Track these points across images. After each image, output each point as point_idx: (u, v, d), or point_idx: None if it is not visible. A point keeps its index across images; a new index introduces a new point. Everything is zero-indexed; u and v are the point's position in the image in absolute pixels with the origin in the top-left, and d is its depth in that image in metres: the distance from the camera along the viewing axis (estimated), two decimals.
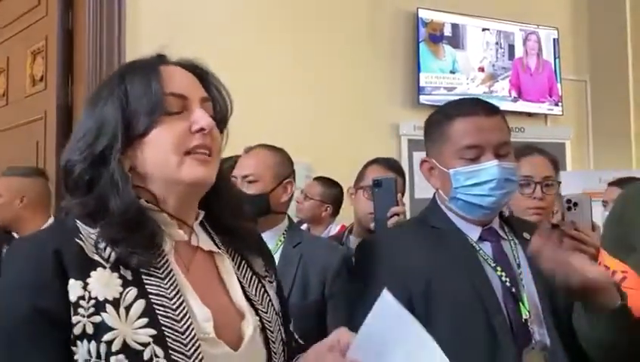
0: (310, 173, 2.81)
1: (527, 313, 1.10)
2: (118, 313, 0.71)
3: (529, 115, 3.59)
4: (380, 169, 1.90)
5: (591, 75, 3.92)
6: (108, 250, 0.74)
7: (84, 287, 0.71)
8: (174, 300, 0.75)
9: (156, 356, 0.70)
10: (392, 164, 1.96)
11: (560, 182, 1.62)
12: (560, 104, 3.71)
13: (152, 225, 0.78)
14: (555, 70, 3.71)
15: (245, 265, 0.88)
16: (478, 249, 1.16)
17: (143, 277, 0.75)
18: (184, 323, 0.74)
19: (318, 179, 2.63)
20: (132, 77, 0.81)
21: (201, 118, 0.80)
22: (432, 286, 1.11)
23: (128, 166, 0.79)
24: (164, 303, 0.74)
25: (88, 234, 0.76)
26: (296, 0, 2.95)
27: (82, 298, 0.70)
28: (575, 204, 1.47)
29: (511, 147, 1.17)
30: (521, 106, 3.53)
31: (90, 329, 0.70)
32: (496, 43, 3.53)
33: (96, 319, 0.70)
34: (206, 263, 0.84)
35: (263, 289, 0.87)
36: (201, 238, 0.84)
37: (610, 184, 2.26)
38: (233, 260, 0.87)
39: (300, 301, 1.40)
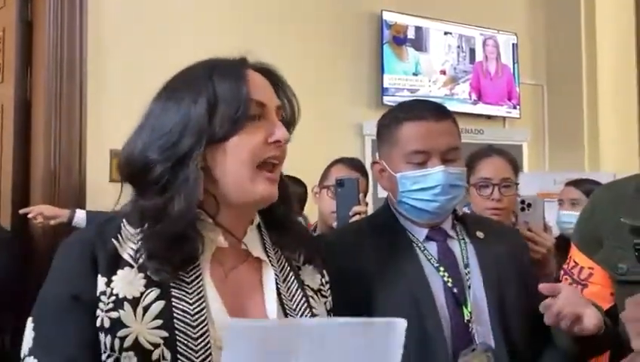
0: None
1: (469, 314, 1.09)
2: (135, 312, 0.73)
3: (488, 117, 3.68)
4: (343, 168, 1.93)
5: (547, 80, 4.05)
6: (141, 250, 0.76)
7: (108, 284, 0.74)
8: (195, 305, 0.75)
9: (164, 358, 0.72)
10: (355, 164, 2.00)
11: (518, 184, 1.68)
12: (518, 107, 3.82)
13: (195, 241, 0.77)
14: (514, 74, 3.82)
15: (292, 276, 0.85)
16: (422, 249, 1.15)
17: (173, 281, 0.76)
18: (199, 330, 0.74)
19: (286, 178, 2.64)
20: (221, 79, 0.80)
21: (280, 129, 0.80)
22: (372, 286, 1.10)
23: (200, 168, 0.78)
24: (184, 308, 0.74)
25: (127, 235, 0.77)
26: (260, 1, 2.95)
27: (104, 293, 0.74)
28: (529, 205, 1.54)
29: (460, 151, 1.16)
30: (481, 109, 3.62)
31: (107, 324, 0.73)
32: (458, 47, 3.61)
33: (114, 315, 0.73)
34: (251, 270, 0.83)
35: (306, 304, 0.85)
36: (253, 244, 0.84)
37: (567, 184, 2.35)
38: (282, 270, 0.85)
39: None
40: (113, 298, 0.73)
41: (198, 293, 0.76)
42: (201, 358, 0.73)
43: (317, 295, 0.88)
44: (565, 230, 2.15)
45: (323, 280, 0.91)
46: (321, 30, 3.11)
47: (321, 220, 1.98)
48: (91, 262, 0.75)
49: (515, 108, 3.82)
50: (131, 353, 0.71)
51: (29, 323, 0.75)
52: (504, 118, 3.81)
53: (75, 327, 0.73)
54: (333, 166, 1.99)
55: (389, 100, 3.29)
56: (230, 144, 0.78)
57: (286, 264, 0.86)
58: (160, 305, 0.73)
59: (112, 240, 0.77)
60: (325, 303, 0.89)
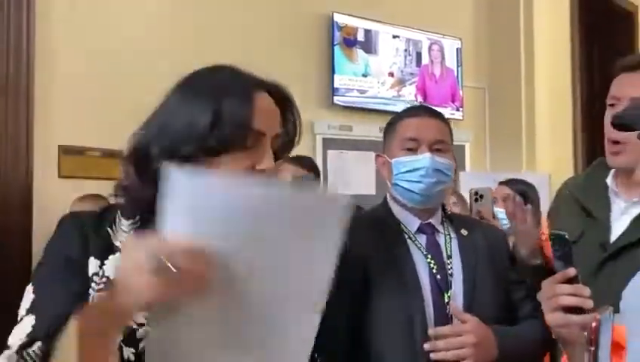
0: None
1: (449, 298, 1.27)
2: None
3: None
4: (293, 168, 1.99)
5: (489, 84, 4.25)
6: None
7: (100, 266, 0.81)
8: None
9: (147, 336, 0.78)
10: (306, 163, 2.06)
11: (455, 182, 1.82)
12: (461, 109, 4.00)
13: None
14: (458, 77, 4.00)
15: None
16: (414, 239, 1.33)
17: None
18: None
19: None
20: (231, 97, 0.82)
21: (268, 160, 0.84)
22: (368, 271, 1.27)
23: None
24: None
25: (121, 225, 0.83)
26: (211, 1, 2.97)
27: (96, 274, 0.81)
28: (481, 196, 1.70)
29: (449, 148, 1.35)
30: None
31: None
32: (405, 50, 3.74)
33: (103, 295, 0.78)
34: None
35: None
36: None
37: (500, 183, 2.51)
38: None
39: None
40: (104, 279, 0.80)
41: None
42: None
43: None
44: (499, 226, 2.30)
45: None
46: (272, 31, 3.15)
47: None
48: (82, 237, 0.82)
49: (458, 110, 3.99)
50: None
51: (29, 287, 0.81)
52: (448, 119, 3.97)
53: (69, 284, 0.80)
54: (282, 165, 2.05)
55: (339, 100, 3.38)
56: (218, 161, 0.81)
57: None
58: None
59: (107, 228, 0.83)
60: None
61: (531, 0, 4.11)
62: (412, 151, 1.32)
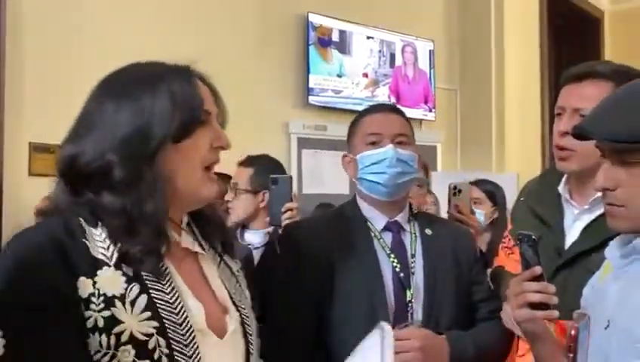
0: None
1: (411, 296, 1.30)
2: (125, 307, 0.76)
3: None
4: (238, 168, 2.00)
5: (460, 85, 4.34)
6: (111, 249, 0.78)
7: (94, 285, 0.75)
8: (171, 295, 0.81)
9: (159, 345, 0.77)
10: (248, 162, 2.03)
11: (428, 183, 1.86)
12: (433, 110, 4.07)
13: (167, 238, 0.82)
14: (430, 79, 4.06)
15: (224, 264, 0.95)
16: (379, 238, 1.35)
17: (143, 274, 0.79)
18: (181, 316, 0.80)
19: (218, 174, 2.64)
20: (177, 82, 0.82)
21: (224, 136, 0.87)
22: (332, 267, 1.30)
23: None
24: (164, 298, 0.80)
25: (92, 235, 0.78)
26: (187, 0, 2.96)
27: (93, 294, 0.75)
28: (459, 191, 1.75)
29: (412, 142, 1.38)
30: None
31: (101, 323, 0.75)
32: (379, 51, 3.79)
33: (106, 313, 0.75)
34: (192, 263, 0.90)
35: (240, 287, 0.96)
36: (188, 240, 0.90)
37: (469, 183, 2.55)
38: (214, 259, 0.93)
39: None
40: (102, 297, 0.75)
41: (170, 285, 0.82)
42: (189, 340, 0.80)
43: (240, 276, 0.99)
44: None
45: (238, 266, 1.01)
46: (248, 30, 3.16)
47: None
48: (62, 258, 0.75)
49: (430, 111, 4.06)
50: (129, 346, 0.75)
51: None
52: (420, 120, 4.04)
53: (60, 327, 0.73)
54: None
55: (314, 100, 3.40)
56: (182, 147, 0.82)
57: (216, 254, 0.95)
58: (144, 298, 0.77)
59: (82, 240, 0.77)
60: (244, 283, 1.00)
61: (502, 4, 4.21)
62: (375, 145, 1.35)
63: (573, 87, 1.27)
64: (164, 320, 0.78)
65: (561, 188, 1.33)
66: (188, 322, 0.81)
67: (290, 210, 1.69)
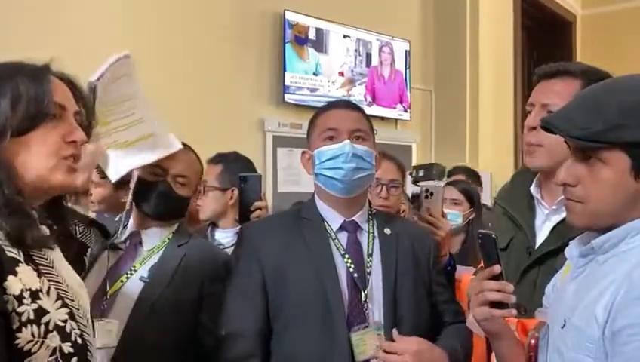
0: None
1: (365, 296, 1.29)
2: (47, 298, 0.82)
3: (382, 118, 3.91)
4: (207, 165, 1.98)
5: (435, 86, 4.38)
6: (14, 247, 0.82)
7: (20, 281, 0.80)
8: (64, 285, 0.88)
9: (73, 328, 0.86)
10: (216, 159, 2.01)
11: (404, 185, 1.88)
12: (409, 110, 4.10)
13: (33, 216, 0.86)
14: (406, 79, 4.09)
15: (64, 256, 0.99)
16: (333, 238, 1.34)
17: (41, 268, 0.85)
18: (77, 302, 0.89)
19: None
20: (24, 78, 0.86)
21: (77, 130, 0.90)
22: (282, 269, 1.29)
23: None
24: (62, 288, 0.87)
25: None
26: None
27: (23, 290, 0.81)
28: (431, 193, 1.76)
29: (369, 138, 1.38)
30: (375, 111, 3.83)
31: (32, 316, 0.80)
32: (356, 50, 3.80)
33: (34, 306, 0.80)
34: (53, 251, 0.94)
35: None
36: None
37: (447, 184, 2.57)
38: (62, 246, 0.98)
39: (175, 297, 1.40)
40: (28, 292, 0.81)
41: (59, 275, 0.88)
42: (88, 321, 0.90)
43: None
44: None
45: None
46: (224, 28, 3.14)
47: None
48: None
49: (406, 111, 4.09)
50: (55, 332, 0.81)
51: None
52: (396, 120, 4.08)
53: None
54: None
55: (290, 98, 3.40)
56: (30, 138, 0.86)
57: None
58: (53, 289, 0.85)
59: None
60: None
61: (477, 6, 4.26)
62: (332, 140, 1.34)
63: (544, 83, 1.30)
64: (70, 307, 0.86)
65: (532, 188, 1.35)
66: (80, 305, 0.90)
67: (259, 208, 1.69)
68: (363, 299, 1.29)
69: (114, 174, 1.39)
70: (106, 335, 1.32)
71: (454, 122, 4.31)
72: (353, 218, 1.38)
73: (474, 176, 3.24)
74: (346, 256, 1.33)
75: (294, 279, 1.29)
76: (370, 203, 1.45)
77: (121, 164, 1.38)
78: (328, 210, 1.38)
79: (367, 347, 1.26)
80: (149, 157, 1.40)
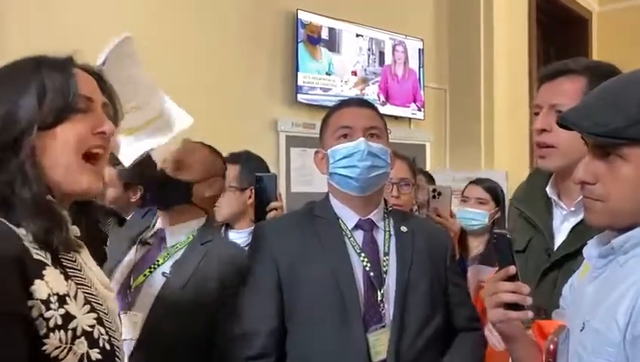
0: None
1: (381, 295, 1.28)
2: (74, 303, 0.80)
3: (395, 118, 3.89)
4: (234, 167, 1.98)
5: (450, 85, 4.35)
6: (42, 249, 0.79)
7: (47, 285, 0.77)
8: (92, 288, 0.85)
9: (101, 334, 0.83)
10: (234, 158, 2.00)
11: (415, 184, 1.86)
12: (422, 109, 4.07)
13: (64, 217, 0.83)
14: (419, 78, 4.06)
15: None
16: (349, 236, 1.33)
17: (68, 271, 0.82)
18: (105, 306, 0.86)
19: None
20: (49, 71, 0.84)
21: (106, 122, 0.87)
22: (297, 268, 1.28)
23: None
24: (90, 291, 0.84)
25: (21, 235, 0.79)
26: None
27: (50, 295, 0.78)
28: (439, 194, 1.75)
29: (383, 135, 1.36)
30: (388, 110, 3.80)
31: (59, 321, 0.77)
32: (369, 49, 3.78)
33: (62, 311, 0.78)
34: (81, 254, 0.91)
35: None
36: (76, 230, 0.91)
37: (471, 183, 2.50)
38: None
39: (192, 297, 1.41)
40: (56, 296, 0.78)
41: (88, 278, 0.86)
42: (116, 325, 0.88)
43: None
44: (470, 224, 2.31)
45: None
46: (237, 27, 3.14)
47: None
48: (18, 263, 0.75)
49: (419, 110, 4.06)
50: (82, 338, 0.79)
51: None
52: (410, 119, 4.05)
53: (19, 344, 0.73)
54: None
55: (302, 98, 3.39)
56: (57, 131, 0.83)
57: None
58: (81, 293, 0.82)
59: (24, 243, 0.78)
60: None
61: (491, 4, 4.22)
62: (346, 138, 1.33)
63: (548, 84, 1.28)
64: (98, 312, 0.84)
65: (548, 189, 1.33)
66: (110, 310, 0.88)
67: (275, 209, 1.68)
68: (379, 298, 1.28)
69: (126, 160, 1.39)
70: (132, 327, 1.33)
71: (469, 121, 4.27)
72: (369, 216, 1.36)
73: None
74: (362, 254, 1.31)
75: (309, 278, 1.28)
76: (385, 201, 1.44)
77: (132, 149, 1.37)
78: (343, 209, 1.36)
79: (384, 347, 1.25)
80: (160, 140, 1.39)
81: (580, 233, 1.20)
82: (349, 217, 1.35)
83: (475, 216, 2.31)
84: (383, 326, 1.26)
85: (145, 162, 1.45)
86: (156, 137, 1.37)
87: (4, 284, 0.73)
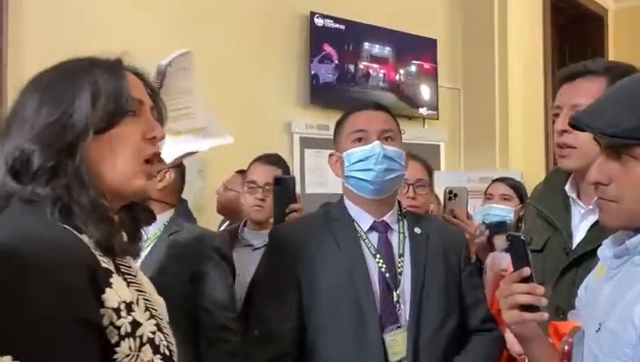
0: (204, 167, 2.86)
1: (397, 296, 1.29)
2: (139, 310, 0.79)
3: (409, 118, 3.88)
4: (260, 165, 2.00)
5: (464, 85, 4.32)
6: (105, 256, 0.78)
7: (116, 293, 0.76)
8: (147, 294, 0.84)
9: (161, 340, 0.81)
10: (271, 161, 2.04)
11: (431, 185, 1.86)
12: (436, 109, 4.06)
13: (117, 223, 0.82)
14: (433, 78, 4.04)
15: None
16: (364, 238, 1.34)
17: (127, 277, 0.82)
18: (159, 312, 0.84)
19: (240, 172, 2.53)
20: (102, 72, 0.82)
21: (158, 127, 0.86)
22: (314, 269, 1.29)
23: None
24: (147, 297, 0.83)
25: (88, 242, 0.78)
26: (190, 0, 2.95)
27: (119, 302, 0.76)
28: (455, 195, 1.75)
29: (398, 138, 1.38)
30: (402, 110, 3.76)
31: (129, 329, 0.76)
32: (382, 50, 3.76)
33: (130, 319, 0.76)
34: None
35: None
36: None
37: (495, 180, 2.53)
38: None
39: (164, 283, 1.44)
40: (124, 304, 0.76)
41: (139, 281, 0.85)
42: (169, 331, 0.85)
43: None
44: (493, 220, 2.31)
45: None
46: (251, 30, 3.16)
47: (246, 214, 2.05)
48: (91, 280, 0.74)
49: (433, 110, 4.05)
50: (147, 345, 0.78)
51: None
52: (424, 119, 4.04)
53: (92, 354, 0.72)
54: (252, 164, 2.06)
55: (317, 100, 3.40)
56: (109, 137, 0.81)
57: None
58: (142, 300, 0.81)
59: (93, 251, 0.77)
60: None
61: (505, 2, 4.19)
62: (361, 141, 1.34)
63: (568, 85, 1.28)
64: (156, 318, 0.82)
65: (567, 187, 1.33)
66: (164, 315, 0.87)
67: (295, 210, 1.69)
68: (395, 299, 1.29)
69: (168, 157, 1.41)
70: None
71: (483, 121, 4.25)
72: (383, 218, 1.37)
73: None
74: (377, 256, 1.33)
75: (327, 279, 1.29)
76: (400, 203, 1.45)
77: (176, 148, 1.39)
78: (358, 211, 1.37)
79: (401, 347, 1.26)
80: (201, 145, 1.42)
81: (599, 231, 1.20)
82: (363, 219, 1.37)
83: (500, 211, 2.31)
84: (399, 327, 1.28)
85: None
86: (198, 142, 1.41)
87: (80, 293, 0.72)
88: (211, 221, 2.63)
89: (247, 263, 1.89)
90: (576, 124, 0.91)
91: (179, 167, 1.83)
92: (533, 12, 4.49)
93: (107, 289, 0.75)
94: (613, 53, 5.33)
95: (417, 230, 1.39)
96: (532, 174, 3.57)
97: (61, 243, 0.75)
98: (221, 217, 2.64)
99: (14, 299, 0.67)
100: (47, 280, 0.69)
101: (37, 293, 0.68)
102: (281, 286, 1.32)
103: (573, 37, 5.27)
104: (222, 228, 2.53)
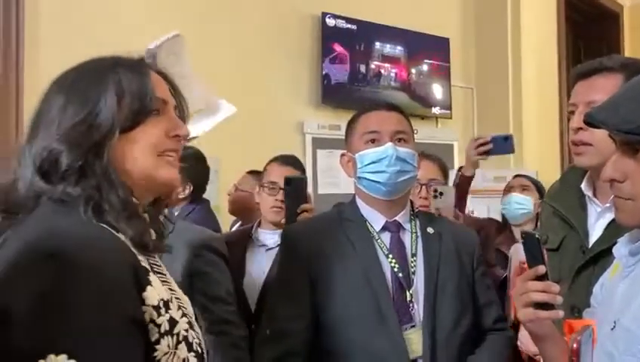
0: (217, 168, 2.87)
1: (410, 296, 1.29)
2: (174, 308, 0.79)
3: (422, 117, 3.87)
4: (278, 166, 1.99)
5: (477, 84, 4.30)
6: (141, 254, 0.79)
7: (155, 291, 0.77)
8: (177, 292, 0.84)
9: (194, 338, 0.82)
10: (289, 161, 2.04)
11: (446, 184, 1.85)
12: (450, 108, 4.04)
13: (147, 221, 0.83)
14: (446, 77, 4.02)
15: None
16: (377, 238, 1.34)
17: (159, 276, 0.82)
18: (189, 310, 0.85)
19: (251, 172, 2.57)
20: (126, 71, 0.82)
21: (182, 125, 0.87)
22: (328, 268, 1.29)
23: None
24: (178, 296, 0.83)
25: (125, 241, 0.78)
26: (201, 2, 2.96)
27: (159, 300, 0.77)
28: (441, 194, 1.74)
29: (410, 138, 1.37)
30: (415, 109, 3.76)
31: (167, 327, 0.77)
32: (395, 50, 3.75)
33: (167, 316, 0.77)
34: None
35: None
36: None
37: (515, 176, 2.65)
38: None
39: None
40: (162, 302, 0.77)
41: (170, 279, 0.85)
42: (200, 330, 0.86)
43: None
44: (516, 210, 2.39)
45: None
46: (264, 30, 3.17)
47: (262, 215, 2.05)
48: (135, 279, 0.74)
49: (447, 109, 4.03)
50: (183, 343, 0.78)
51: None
52: (437, 118, 4.02)
53: (139, 352, 0.73)
54: (268, 164, 2.05)
55: (328, 100, 3.40)
56: (134, 136, 0.81)
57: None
58: (173, 297, 0.81)
59: (133, 251, 0.78)
60: None
61: (519, 0, 4.16)
62: (374, 143, 1.33)
63: (583, 82, 1.27)
64: (188, 315, 0.83)
65: (583, 186, 1.32)
66: (192, 314, 0.86)
67: (306, 211, 1.69)
68: (408, 298, 1.29)
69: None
70: None
71: (497, 120, 4.21)
72: (395, 218, 1.37)
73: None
74: (390, 255, 1.33)
75: (342, 278, 1.29)
76: (412, 203, 1.44)
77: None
78: (370, 211, 1.37)
79: (417, 346, 1.26)
80: (205, 127, 1.41)
81: (616, 229, 1.18)
82: (375, 219, 1.37)
83: (521, 200, 2.33)
84: (414, 326, 1.28)
85: None
86: (202, 125, 1.40)
87: (126, 291, 0.73)
88: (225, 221, 2.64)
89: (260, 263, 1.89)
90: (591, 121, 0.90)
91: (203, 164, 1.83)
92: (548, 9, 4.45)
93: (148, 288, 0.75)
94: (629, 50, 5.26)
95: (430, 230, 1.39)
96: (547, 173, 3.54)
97: (103, 242, 0.75)
98: (234, 217, 2.64)
99: (65, 299, 0.68)
100: (96, 278, 0.70)
101: (87, 293, 0.69)
102: (294, 285, 1.32)
103: (589, 34, 5.21)
104: (234, 228, 2.53)
